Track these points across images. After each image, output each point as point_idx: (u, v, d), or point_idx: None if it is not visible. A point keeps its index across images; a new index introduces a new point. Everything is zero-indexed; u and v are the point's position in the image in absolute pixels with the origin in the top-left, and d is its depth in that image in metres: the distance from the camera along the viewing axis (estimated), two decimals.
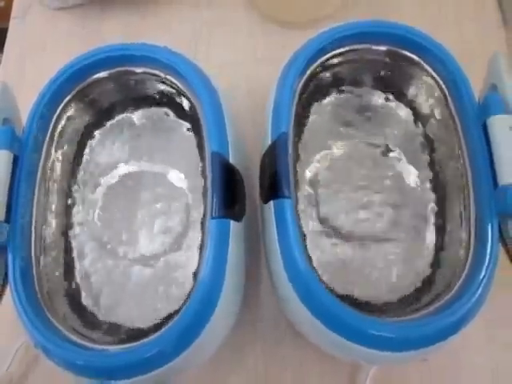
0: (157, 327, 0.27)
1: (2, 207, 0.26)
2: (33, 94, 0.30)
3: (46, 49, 0.42)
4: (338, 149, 0.32)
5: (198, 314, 0.24)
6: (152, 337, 0.25)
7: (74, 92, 0.30)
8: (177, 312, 0.28)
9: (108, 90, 0.31)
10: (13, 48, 0.42)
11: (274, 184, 0.26)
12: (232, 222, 0.27)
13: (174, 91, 0.31)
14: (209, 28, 0.41)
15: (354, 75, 0.31)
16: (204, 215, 0.31)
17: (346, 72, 0.31)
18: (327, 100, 0.32)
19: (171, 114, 0.33)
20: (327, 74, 0.31)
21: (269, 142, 0.28)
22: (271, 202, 0.27)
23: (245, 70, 0.39)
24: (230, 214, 0.27)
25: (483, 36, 0.38)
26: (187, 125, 0.33)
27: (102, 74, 0.30)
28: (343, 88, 0.32)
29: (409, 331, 0.24)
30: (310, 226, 0.31)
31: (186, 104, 0.31)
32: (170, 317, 0.28)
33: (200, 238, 0.30)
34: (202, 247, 0.30)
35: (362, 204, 0.31)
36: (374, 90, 0.32)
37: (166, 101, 0.32)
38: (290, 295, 0.25)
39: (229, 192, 0.27)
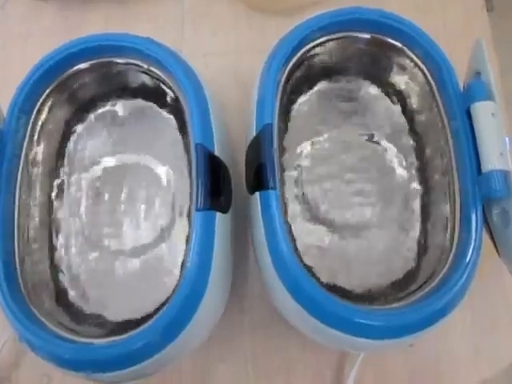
0: (144, 319, 0.27)
1: None
2: (13, 87, 0.29)
3: (26, 40, 0.41)
4: (323, 138, 0.32)
5: (184, 306, 0.24)
6: (139, 329, 0.25)
7: (54, 84, 0.29)
8: (164, 304, 0.29)
9: (90, 81, 0.31)
10: None
11: (260, 175, 0.26)
12: (218, 214, 0.27)
13: (157, 82, 0.30)
14: (193, 18, 0.40)
15: (338, 64, 0.31)
16: (190, 207, 0.31)
17: (330, 61, 0.31)
18: (312, 90, 0.32)
19: (155, 106, 0.32)
20: (311, 64, 0.30)
21: (254, 133, 0.28)
22: (257, 194, 0.27)
23: (229, 59, 0.39)
24: (215, 205, 0.27)
25: (467, 20, 0.39)
26: (171, 117, 0.32)
27: (83, 65, 0.29)
28: (328, 77, 0.32)
29: (394, 319, 0.24)
30: (297, 215, 0.31)
31: (169, 96, 0.31)
32: (158, 309, 0.28)
33: (187, 230, 0.30)
34: (188, 239, 0.30)
35: (348, 192, 0.31)
36: (358, 79, 0.32)
37: (150, 92, 0.32)
38: (275, 284, 0.26)
39: (214, 184, 0.27)
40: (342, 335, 0.24)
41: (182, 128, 0.31)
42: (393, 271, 0.29)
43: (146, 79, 0.31)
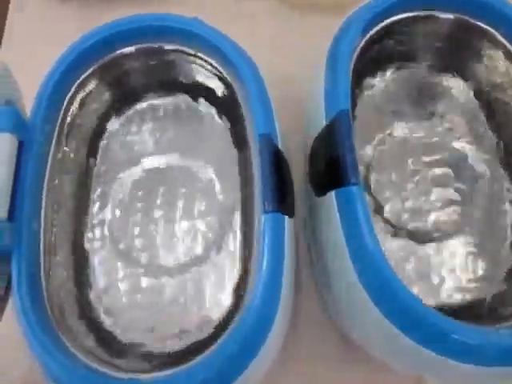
0: (197, 348, 0.22)
1: (4, 202, 0.21)
2: (31, 89, 0.25)
3: (45, 41, 0.38)
4: (393, 132, 0.28)
5: (255, 330, 0.20)
6: (193, 362, 0.20)
7: (92, 68, 0.25)
8: (216, 332, 0.24)
9: (133, 69, 0.26)
10: (11, 41, 0.38)
11: (336, 170, 0.22)
12: (286, 218, 0.22)
13: (206, 73, 0.26)
14: (220, 18, 0.37)
15: (415, 48, 0.28)
16: (244, 214, 0.26)
17: (407, 44, 0.27)
18: (381, 76, 0.29)
19: (202, 101, 0.28)
20: (386, 45, 0.27)
21: (323, 123, 0.24)
22: (332, 193, 0.22)
23: (262, 58, 0.36)
24: (282, 208, 0.22)
25: None
26: (220, 113, 0.28)
27: (129, 50, 0.25)
28: (399, 63, 0.28)
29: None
30: None
31: (220, 88, 0.27)
32: (213, 335, 0.23)
33: (240, 242, 0.26)
34: (243, 252, 0.25)
35: (424, 195, 0.27)
36: (434, 67, 0.28)
37: (197, 86, 0.28)
38: (358, 297, 0.21)
39: (280, 182, 0.23)
40: (441, 359, 0.19)
41: (234, 123, 0.27)
42: (482, 285, 0.25)
43: (194, 70, 0.27)
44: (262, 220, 0.21)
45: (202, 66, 0.26)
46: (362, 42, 0.25)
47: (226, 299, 0.25)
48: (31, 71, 0.37)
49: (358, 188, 0.21)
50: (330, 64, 0.24)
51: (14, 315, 0.20)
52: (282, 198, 0.22)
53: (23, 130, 0.23)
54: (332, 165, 0.23)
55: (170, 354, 0.23)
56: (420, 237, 0.27)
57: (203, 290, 0.25)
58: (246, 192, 0.26)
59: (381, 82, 0.29)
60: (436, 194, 0.27)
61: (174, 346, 0.23)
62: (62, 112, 0.25)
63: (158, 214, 0.27)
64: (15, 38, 0.39)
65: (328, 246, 0.24)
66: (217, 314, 0.24)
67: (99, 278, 0.25)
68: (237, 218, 0.26)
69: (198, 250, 0.26)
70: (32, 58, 0.37)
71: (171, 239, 0.26)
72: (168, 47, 0.25)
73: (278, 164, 0.23)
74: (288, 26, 0.37)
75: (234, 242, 0.26)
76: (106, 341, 0.23)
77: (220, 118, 0.28)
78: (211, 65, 0.26)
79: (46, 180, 0.23)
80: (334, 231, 0.22)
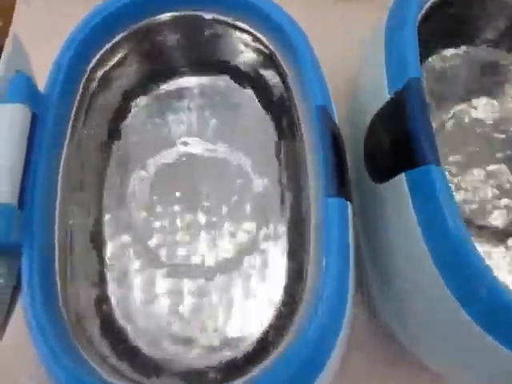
0: (238, 365, 0.18)
1: (13, 184, 0.17)
2: (39, 82, 0.21)
3: (51, 33, 0.35)
4: (452, 115, 0.25)
5: (323, 336, 0.16)
6: (246, 378, 0.16)
7: (120, 36, 0.21)
8: (267, 342, 0.20)
9: (167, 40, 0.23)
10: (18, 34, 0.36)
11: (406, 150, 0.19)
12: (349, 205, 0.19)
13: (250, 51, 0.23)
14: None
15: (476, 23, 0.25)
16: (290, 205, 0.23)
17: (468, 18, 0.24)
18: (445, 50, 0.25)
19: (243, 82, 0.25)
20: (450, 14, 0.23)
21: (386, 96, 0.20)
22: (401, 176, 0.19)
23: None
24: (343, 192, 0.19)
25: None
26: (262, 97, 0.25)
27: (164, 16, 0.22)
28: (467, 38, 0.25)
29: None
30: None
31: (265, 66, 0.24)
32: (257, 351, 0.19)
33: (287, 236, 0.22)
34: (292, 246, 0.22)
35: (495, 188, 0.24)
36: (498, 45, 0.25)
37: (239, 65, 0.25)
38: (441, 307, 0.17)
39: (339, 162, 0.19)
40: None
41: (276, 110, 0.24)
42: None
43: (237, 46, 0.23)
44: (322, 206, 0.18)
45: (245, 43, 0.23)
46: (427, 5, 0.21)
47: (276, 301, 0.21)
48: (37, 68, 0.34)
49: (439, 168, 0.18)
50: (393, 27, 0.21)
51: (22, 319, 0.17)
52: (342, 180, 0.19)
53: (36, 102, 0.19)
54: (401, 143, 0.19)
55: (213, 370, 0.19)
56: (494, 234, 0.23)
57: (248, 291, 0.21)
58: (292, 181, 0.23)
59: (443, 56, 0.25)
60: (499, 186, 0.24)
61: (215, 360, 0.19)
62: (81, 85, 0.21)
63: (187, 206, 0.23)
64: (21, 32, 0.37)
65: (393, 241, 0.20)
66: (266, 320, 0.20)
67: (121, 279, 0.21)
68: (281, 211, 0.23)
69: (239, 246, 0.22)
70: (37, 55, 0.35)
71: (203, 236, 0.22)
72: (208, 16, 0.22)
73: (336, 141, 0.19)
74: (321, 14, 0.34)
75: (281, 237, 0.22)
76: (132, 355, 0.19)
77: (262, 102, 0.25)
78: (257, 38, 0.22)
79: (62, 162, 0.20)
80: (405, 222, 0.19)
